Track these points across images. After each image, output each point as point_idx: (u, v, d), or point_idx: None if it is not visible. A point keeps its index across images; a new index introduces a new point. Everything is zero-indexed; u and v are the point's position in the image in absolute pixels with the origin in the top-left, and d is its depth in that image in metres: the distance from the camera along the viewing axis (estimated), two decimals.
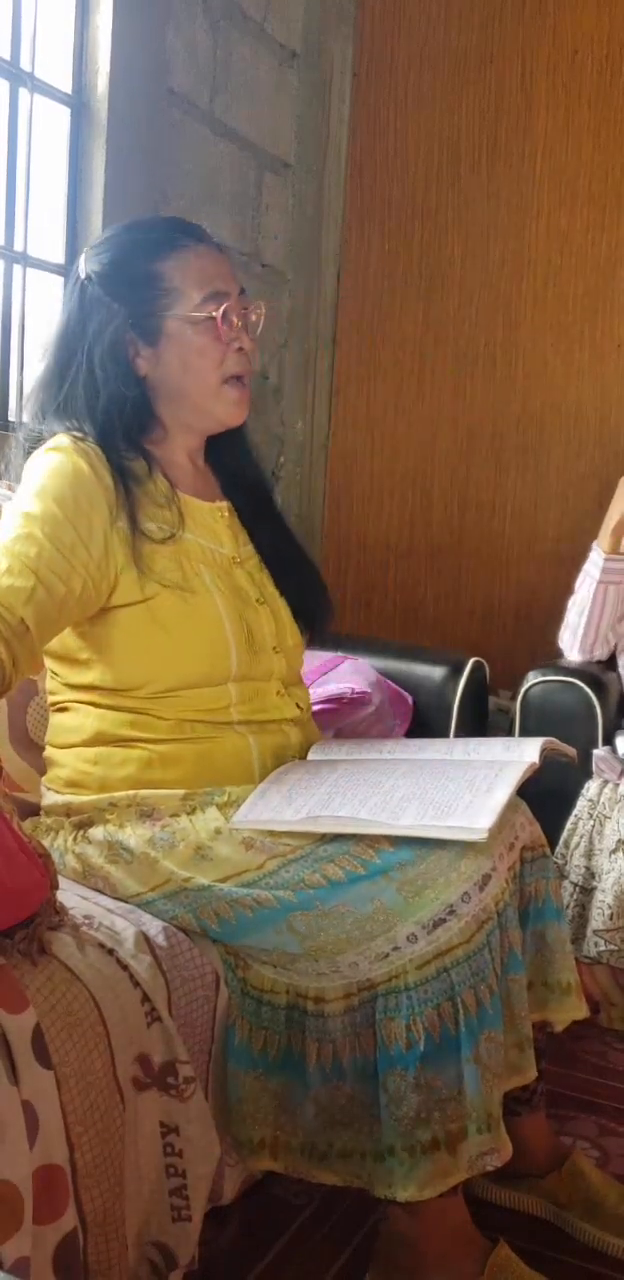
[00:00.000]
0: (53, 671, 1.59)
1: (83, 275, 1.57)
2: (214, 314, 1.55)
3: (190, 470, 1.65)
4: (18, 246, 2.28)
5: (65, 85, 2.38)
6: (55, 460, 1.50)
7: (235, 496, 1.71)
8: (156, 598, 1.50)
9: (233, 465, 1.72)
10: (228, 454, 1.71)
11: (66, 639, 1.52)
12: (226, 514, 1.67)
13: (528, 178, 3.06)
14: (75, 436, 1.52)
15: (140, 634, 1.51)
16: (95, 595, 1.48)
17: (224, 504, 1.68)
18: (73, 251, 2.42)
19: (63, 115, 2.40)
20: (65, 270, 2.42)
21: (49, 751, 1.61)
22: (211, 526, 1.63)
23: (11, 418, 2.30)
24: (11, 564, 1.41)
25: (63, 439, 1.52)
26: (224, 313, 1.55)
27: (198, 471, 1.67)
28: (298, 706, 1.66)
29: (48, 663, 1.59)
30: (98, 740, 1.53)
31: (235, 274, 1.61)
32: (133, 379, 1.56)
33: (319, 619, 1.76)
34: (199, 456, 1.68)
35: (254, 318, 1.60)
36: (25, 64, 2.26)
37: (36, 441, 1.56)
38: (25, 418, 1.64)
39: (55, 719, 1.60)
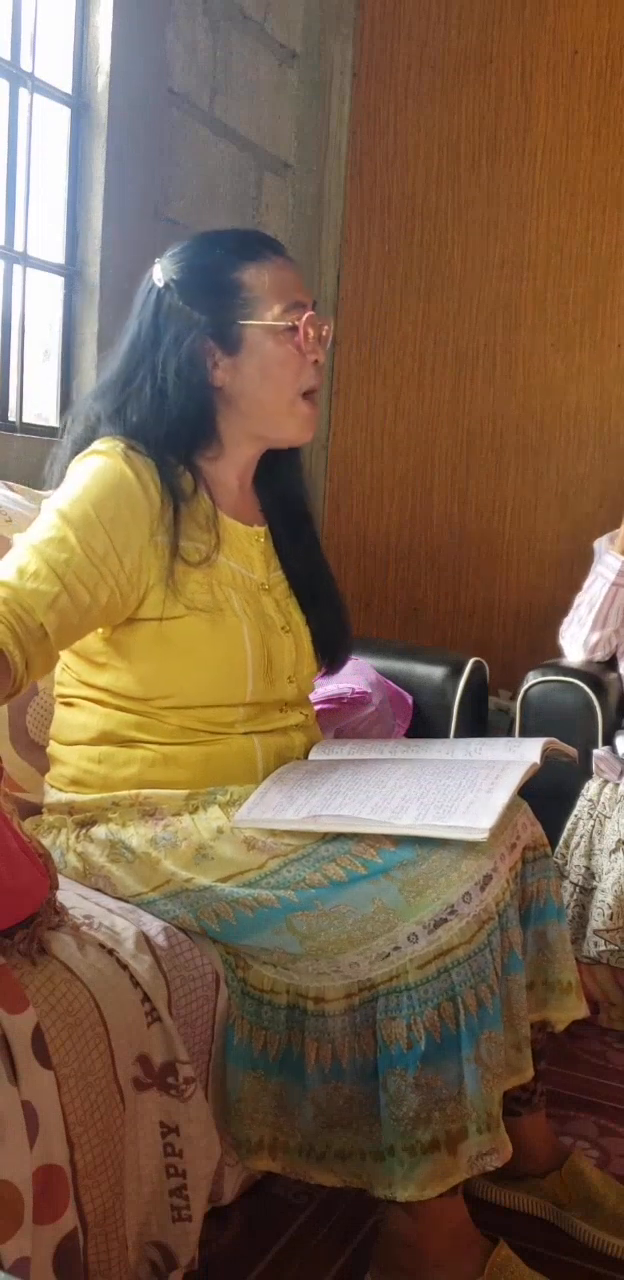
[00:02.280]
0: (66, 665, 1.57)
1: (160, 284, 1.55)
2: (296, 323, 1.53)
3: (235, 491, 1.63)
4: (18, 246, 2.28)
5: (65, 85, 2.38)
6: (100, 464, 1.49)
7: (275, 518, 1.69)
8: (183, 619, 1.49)
9: (280, 487, 1.70)
10: (278, 474, 1.69)
11: (89, 640, 1.51)
12: (262, 539, 1.65)
13: (528, 178, 3.06)
14: (129, 444, 1.50)
15: (162, 649, 1.50)
16: (121, 606, 1.47)
17: (262, 529, 1.66)
18: (73, 251, 2.42)
19: (63, 115, 2.40)
20: (65, 271, 2.42)
21: (52, 747, 1.60)
22: (246, 550, 1.61)
23: (11, 417, 2.30)
24: (39, 567, 1.40)
25: (114, 444, 1.50)
26: (305, 323, 1.54)
27: (242, 493, 1.65)
28: (302, 713, 1.66)
29: (63, 656, 1.57)
30: (103, 740, 1.53)
31: (309, 289, 1.60)
32: (207, 389, 1.54)
33: (339, 654, 1.75)
34: (248, 476, 1.66)
35: (325, 332, 1.58)
36: (25, 64, 2.26)
37: (84, 444, 1.54)
38: (75, 423, 1.60)
39: (61, 713, 1.60)
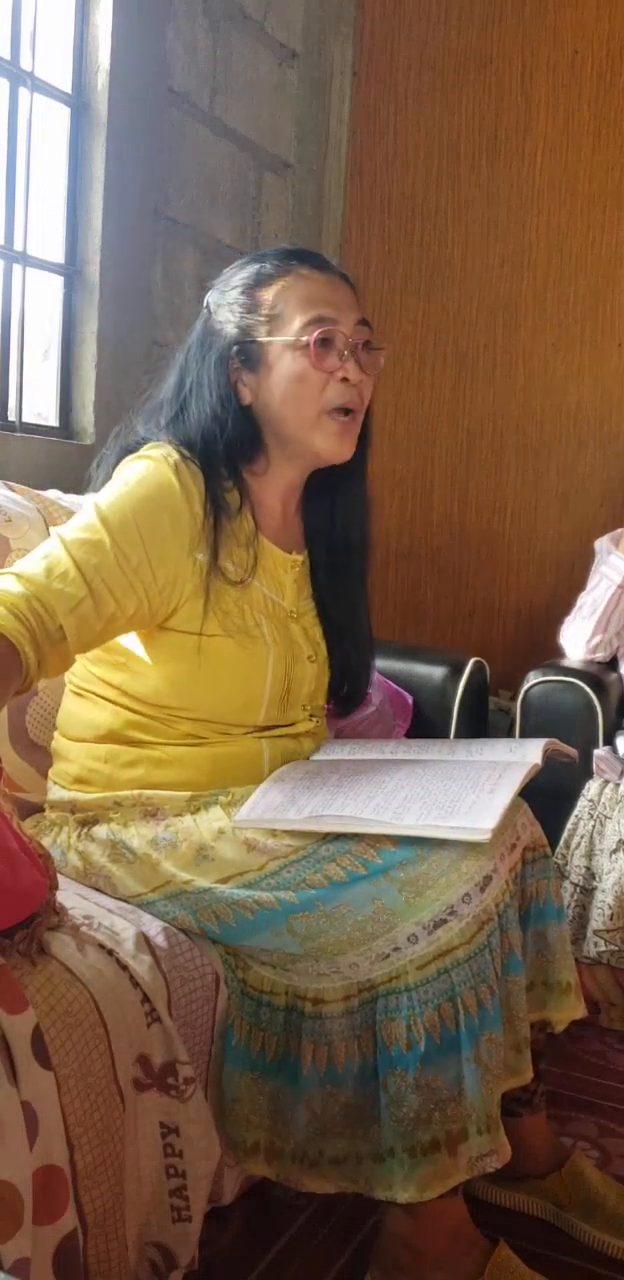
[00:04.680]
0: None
1: (204, 305, 1.58)
2: (308, 339, 1.51)
3: (277, 514, 1.62)
4: (18, 246, 2.28)
5: (65, 85, 2.38)
6: (148, 469, 1.48)
7: (317, 546, 1.67)
8: (213, 638, 1.49)
9: (332, 515, 1.67)
10: (336, 501, 1.66)
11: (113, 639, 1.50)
12: (298, 567, 1.64)
13: (528, 178, 3.06)
14: (182, 454, 1.50)
15: (184, 664, 1.49)
16: (150, 617, 1.46)
17: (299, 557, 1.65)
18: (73, 251, 2.42)
19: (63, 115, 2.39)
20: (65, 270, 2.41)
21: (57, 741, 1.60)
22: (279, 577, 1.60)
23: (11, 417, 2.29)
24: (68, 568, 1.38)
25: (168, 451, 1.50)
26: (321, 338, 1.50)
27: (285, 518, 1.64)
28: (313, 720, 1.66)
29: None
30: (109, 738, 1.53)
31: (357, 305, 1.56)
32: (235, 406, 1.53)
33: (352, 699, 1.75)
34: (292, 500, 1.64)
35: (358, 347, 1.54)
36: (25, 63, 2.26)
37: (136, 446, 1.54)
38: (127, 433, 1.60)
39: (70, 704, 1.59)
